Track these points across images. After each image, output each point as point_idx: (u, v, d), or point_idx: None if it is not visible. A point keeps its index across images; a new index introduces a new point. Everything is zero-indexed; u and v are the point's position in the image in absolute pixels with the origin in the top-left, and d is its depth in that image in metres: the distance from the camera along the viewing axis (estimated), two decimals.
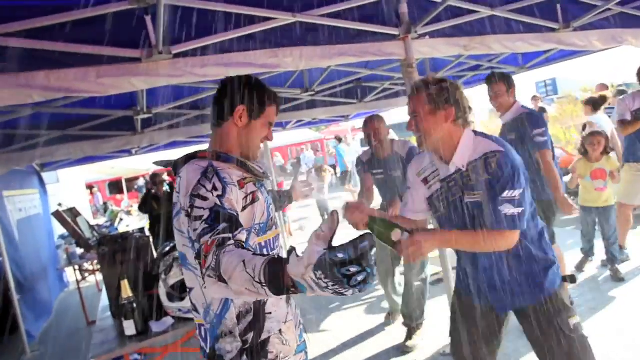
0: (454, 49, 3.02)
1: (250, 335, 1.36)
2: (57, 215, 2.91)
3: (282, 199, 2.11)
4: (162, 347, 2.38)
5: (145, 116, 3.81)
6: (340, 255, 0.81)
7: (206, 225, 1.13)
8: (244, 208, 1.33)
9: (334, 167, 13.62)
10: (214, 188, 1.23)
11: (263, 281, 0.91)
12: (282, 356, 1.42)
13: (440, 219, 1.77)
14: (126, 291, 2.26)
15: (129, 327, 2.22)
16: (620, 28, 3.54)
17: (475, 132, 1.68)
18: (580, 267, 4.09)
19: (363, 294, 4.43)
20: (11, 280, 4.39)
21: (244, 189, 1.34)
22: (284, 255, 0.95)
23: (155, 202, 5.12)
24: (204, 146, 1.54)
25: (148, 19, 2.14)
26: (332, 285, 0.82)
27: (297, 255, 0.88)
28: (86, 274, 5.78)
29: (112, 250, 2.72)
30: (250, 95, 1.43)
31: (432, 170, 1.75)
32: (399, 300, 3.62)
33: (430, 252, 1.59)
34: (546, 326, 1.67)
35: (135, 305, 2.26)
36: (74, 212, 3.37)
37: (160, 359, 2.45)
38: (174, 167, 1.44)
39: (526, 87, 19.48)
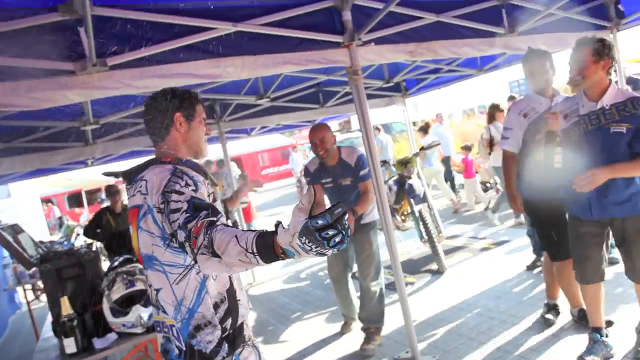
0: (401, 55, 3.17)
1: (229, 322, 1.47)
2: None
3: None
4: None
5: (93, 127, 3.81)
6: (320, 222, 0.98)
7: (188, 214, 1.26)
8: None
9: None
10: (187, 184, 1.37)
11: (255, 251, 1.07)
12: (252, 339, 1.58)
13: (571, 145, 2.38)
14: (66, 308, 2.28)
15: (69, 345, 2.25)
16: (565, 32, 3.77)
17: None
18: None
19: (322, 305, 4.55)
20: None
21: (207, 188, 1.49)
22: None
23: (111, 217, 5.08)
24: None
25: (82, 30, 2.18)
26: (315, 247, 0.99)
27: (284, 227, 1.05)
28: (39, 293, 5.68)
29: (54, 267, 2.72)
30: (180, 102, 1.60)
31: (572, 108, 2.47)
32: (352, 307, 3.72)
33: (600, 183, 2.29)
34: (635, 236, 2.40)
35: (75, 322, 2.28)
36: (15, 229, 3.34)
37: None
38: (129, 175, 1.54)
39: (500, 87, 20.13)
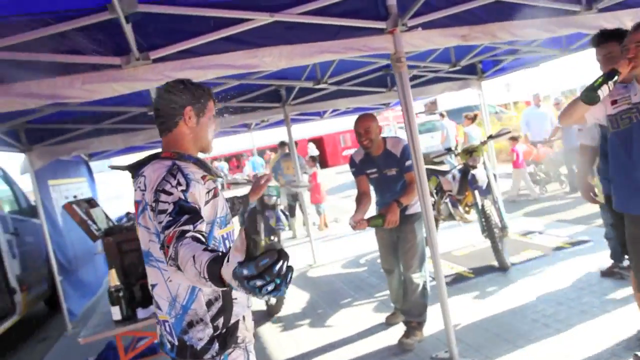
0: (452, 40, 3.01)
1: (221, 321, 1.53)
2: (67, 207, 3.32)
3: (236, 205, 2.26)
4: (150, 332, 2.69)
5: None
6: (245, 272, 0.97)
7: (170, 218, 1.32)
8: (207, 202, 1.51)
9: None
10: (179, 183, 1.41)
11: (207, 277, 1.11)
12: (246, 340, 1.63)
13: (618, 134, 2.27)
14: (114, 280, 2.58)
15: (115, 313, 2.55)
16: None
17: None
18: None
19: (373, 293, 4.57)
20: (54, 263, 5.01)
21: (206, 184, 1.53)
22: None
23: None
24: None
25: (128, 27, 2.39)
26: (247, 293, 0.99)
27: (227, 261, 1.06)
28: None
29: (115, 240, 3.07)
30: (192, 96, 1.63)
31: (623, 95, 2.26)
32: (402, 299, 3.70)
33: None
34: None
35: (122, 293, 2.57)
36: (91, 203, 3.79)
37: (150, 343, 2.77)
38: (134, 168, 1.63)
39: None
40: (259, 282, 0.96)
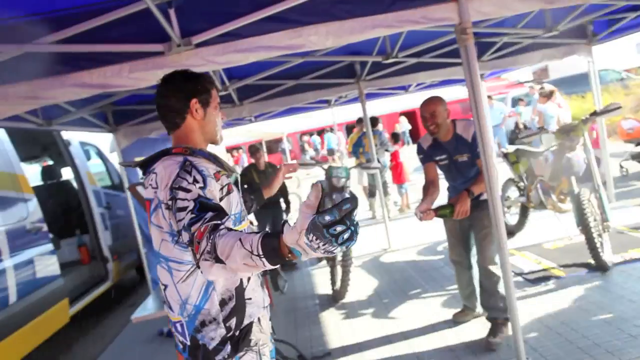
0: (533, 4, 2.59)
1: (233, 322, 1.50)
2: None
3: (249, 202, 2.11)
4: None
5: (221, 93, 4.22)
6: (327, 218, 0.95)
7: (193, 215, 1.27)
8: (221, 199, 1.47)
9: None
10: (195, 180, 1.37)
11: (261, 253, 1.07)
12: (260, 343, 1.57)
13: None
14: None
15: None
16: None
17: None
18: None
19: (444, 286, 4.30)
20: (139, 235, 5.47)
21: (219, 180, 1.49)
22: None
23: (255, 173, 5.65)
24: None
25: (171, 12, 2.39)
26: (323, 245, 0.97)
27: (290, 226, 1.05)
28: None
29: None
30: (195, 86, 1.58)
31: None
32: (473, 296, 3.43)
33: None
34: None
35: None
36: None
37: None
38: (144, 165, 1.58)
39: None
40: (339, 228, 0.95)
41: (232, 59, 2.50)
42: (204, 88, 1.59)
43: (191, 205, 1.30)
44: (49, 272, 4.04)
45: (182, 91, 1.57)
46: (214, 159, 1.56)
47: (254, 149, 5.73)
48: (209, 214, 1.26)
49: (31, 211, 4.03)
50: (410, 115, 22.52)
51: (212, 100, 1.61)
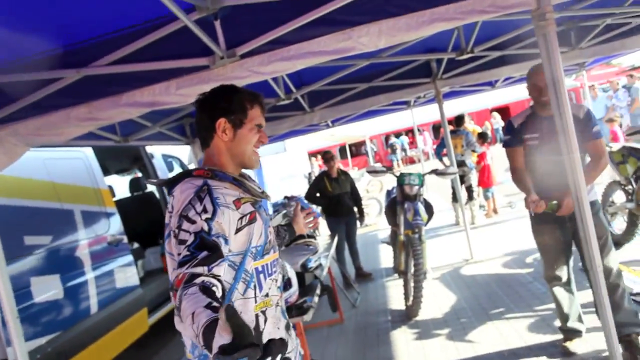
0: None
1: None
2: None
3: (282, 233, 1.94)
4: None
5: (284, 102, 4.11)
6: None
7: (187, 253, 1.20)
8: (239, 229, 1.36)
9: None
10: (204, 210, 1.28)
11: (202, 343, 0.99)
12: None
13: None
14: None
15: None
16: None
17: None
18: None
19: (534, 306, 3.77)
20: None
21: (239, 209, 1.37)
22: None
23: (328, 181, 5.49)
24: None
25: (217, 24, 2.30)
26: None
27: (220, 333, 0.94)
28: None
29: None
30: (226, 105, 1.47)
31: None
32: (578, 320, 2.94)
33: None
34: None
35: None
36: None
37: None
38: (169, 185, 1.49)
39: None
40: None
41: (278, 68, 2.35)
42: (238, 107, 1.47)
43: (190, 239, 1.22)
44: (128, 283, 4.21)
45: (212, 109, 1.48)
46: (239, 183, 1.43)
47: (327, 156, 5.57)
48: (202, 254, 1.18)
49: (112, 224, 4.24)
50: (502, 111, 21.07)
51: (247, 121, 1.47)
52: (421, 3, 2.23)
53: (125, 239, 4.34)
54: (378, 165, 4.86)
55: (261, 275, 1.43)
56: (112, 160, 6.38)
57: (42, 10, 2.02)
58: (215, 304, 1.04)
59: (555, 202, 2.63)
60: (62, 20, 2.23)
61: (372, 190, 11.25)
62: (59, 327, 3.37)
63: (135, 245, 5.05)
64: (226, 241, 1.29)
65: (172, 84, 2.40)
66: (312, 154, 16.97)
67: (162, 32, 2.31)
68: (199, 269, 1.15)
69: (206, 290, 1.10)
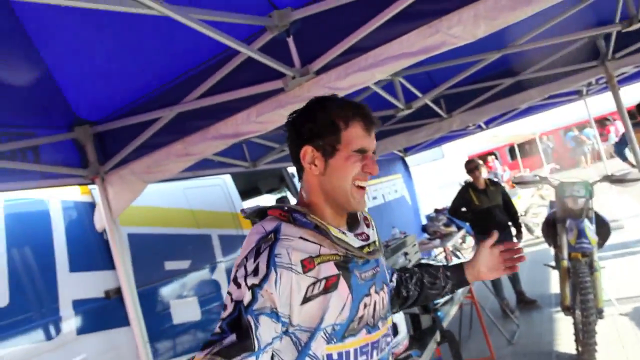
0: None
1: None
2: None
3: (440, 282, 1.40)
4: None
5: (404, 112, 3.67)
6: None
7: (218, 330, 0.98)
8: (308, 299, 1.03)
9: None
10: (254, 271, 1.00)
11: None
12: None
13: None
14: None
15: None
16: None
17: None
18: None
19: None
20: None
21: (312, 271, 1.03)
22: None
23: (474, 193, 4.77)
24: None
25: (290, 40, 2.08)
26: None
27: None
28: None
29: None
30: (312, 127, 1.13)
31: None
32: None
33: None
34: None
35: None
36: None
37: None
38: (258, 217, 1.20)
39: None
40: None
41: (357, 80, 2.00)
42: (327, 128, 1.11)
43: (229, 309, 0.99)
44: None
45: (297, 133, 1.16)
46: (324, 234, 1.06)
47: (471, 166, 4.86)
48: (230, 339, 0.94)
49: None
50: None
51: (341, 147, 1.10)
52: None
53: None
54: (528, 175, 4.01)
55: None
56: (263, 180, 6.75)
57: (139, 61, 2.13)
58: None
59: None
60: (151, 67, 2.31)
61: (548, 196, 9.68)
62: (196, 349, 3.54)
63: None
64: (277, 318, 0.99)
65: (253, 112, 2.26)
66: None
67: (234, 62, 2.20)
68: None
69: None
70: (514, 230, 4.80)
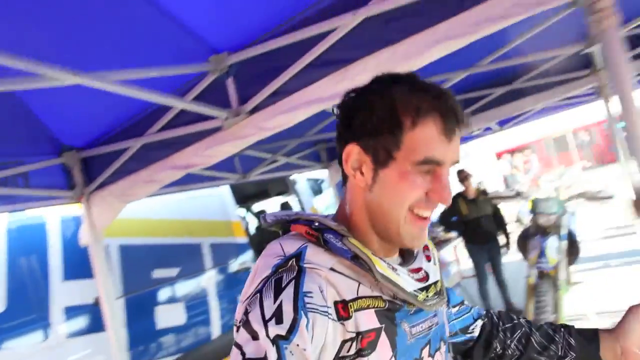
0: None
1: None
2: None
3: (551, 350, 0.99)
4: None
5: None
6: None
7: None
8: (342, 359, 0.73)
9: None
10: (277, 317, 0.68)
11: None
12: None
13: None
14: None
15: None
16: None
17: None
18: None
19: None
20: None
21: (349, 320, 0.73)
22: None
23: (463, 202, 4.74)
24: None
25: (229, 82, 2.23)
26: None
27: None
28: None
29: None
30: (366, 118, 0.79)
31: None
32: None
33: None
34: None
35: None
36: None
37: None
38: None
39: None
40: None
41: (281, 121, 2.12)
42: (387, 124, 0.77)
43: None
44: None
45: (344, 122, 0.84)
46: (365, 266, 0.75)
47: (462, 176, 4.82)
48: None
49: (240, 253, 4.57)
50: None
51: (400, 156, 0.76)
52: (431, 17, 1.71)
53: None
54: (504, 190, 3.97)
55: None
56: (272, 182, 6.93)
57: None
58: None
59: None
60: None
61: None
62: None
63: None
64: None
65: (202, 146, 2.41)
66: (502, 154, 14.96)
67: (187, 97, 2.36)
68: None
69: None
70: (502, 240, 4.75)
